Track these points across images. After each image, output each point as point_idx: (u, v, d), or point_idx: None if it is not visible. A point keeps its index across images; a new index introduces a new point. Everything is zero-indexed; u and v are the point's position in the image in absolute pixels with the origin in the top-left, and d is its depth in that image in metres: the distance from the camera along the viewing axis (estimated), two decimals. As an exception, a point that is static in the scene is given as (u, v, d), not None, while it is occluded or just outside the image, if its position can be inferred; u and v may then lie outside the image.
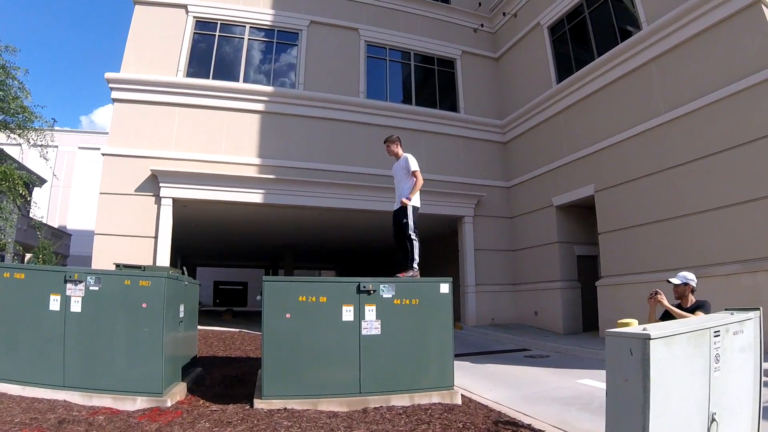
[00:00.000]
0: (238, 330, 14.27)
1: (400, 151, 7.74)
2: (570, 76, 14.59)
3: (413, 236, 7.26)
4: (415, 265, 7.20)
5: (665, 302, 5.19)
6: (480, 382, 8.13)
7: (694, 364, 3.03)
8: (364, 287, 6.55)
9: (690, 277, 5.40)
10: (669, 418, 2.85)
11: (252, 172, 14.57)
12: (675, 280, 5.43)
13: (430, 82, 17.77)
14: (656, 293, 5.27)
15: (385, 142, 7.86)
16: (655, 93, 11.85)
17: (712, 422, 3.07)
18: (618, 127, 12.80)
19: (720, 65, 10.39)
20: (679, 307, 5.20)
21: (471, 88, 17.88)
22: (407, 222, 7.25)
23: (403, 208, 7.30)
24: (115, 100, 14.19)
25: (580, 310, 14.78)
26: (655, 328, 2.89)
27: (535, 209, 16.10)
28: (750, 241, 9.61)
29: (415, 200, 7.39)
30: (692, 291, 5.37)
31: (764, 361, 3.74)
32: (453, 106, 17.68)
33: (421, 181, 7.37)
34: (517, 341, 13.35)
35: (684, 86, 11.14)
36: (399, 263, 7.47)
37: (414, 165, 7.38)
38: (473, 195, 16.85)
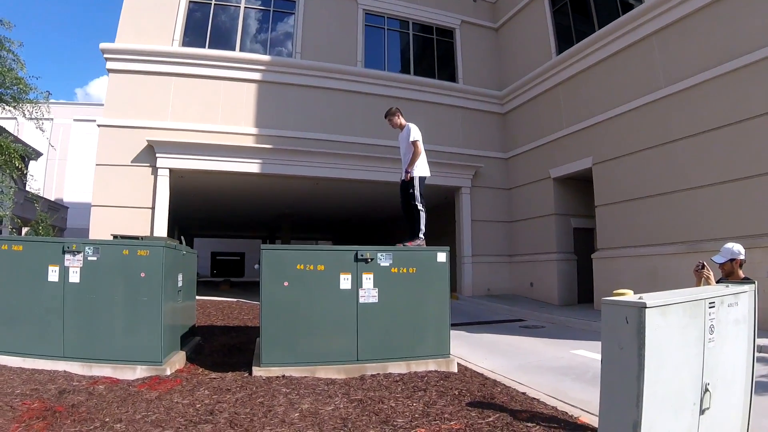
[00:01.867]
0: (236, 300, 14.36)
1: (402, 121, 7.68)
2: (570, 48, 14.44)
3: (420, 206, 7.27)
4: (422, 235, 7.23)
5: (712, 280, 4.76)
6: (476, 351, 8.23)
7: (689, 334, 3.06)
8: (362, 255, 6.58)
9: (735, 250, 4.82)
10: (663, 386, 2.89)
11: (249, 142, 14.50)
12: (719, 259, 4.85)
13: (429, 52, 17.59)
14: (703, 267, 4.81)
15: (386, 117, 7.80)
16: (655, 67, 11.74)
17: (705, 392, 3.11)
18: (618, 101, 12.71)
19: (721, 41, 10.26)
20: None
21: (470, 58, 17.71)
22: (413, 192, 7.26)
23: (410, 180, 7.29)
24: (110, 71, 14.02)
25: (575, 282, 14.89)
26: (650, 297, 2.92)
27: (533, 181, 16.10)
28: (748, 218, 9.62)
29: (422, 170, 7.37)
30: (741, 265, 4.83)
31: (758, 336, 3.78)
32: (452, 77, 17.53)
33: (419, 151, 7.30)
34: (513, 312, 13.47)
35: (685, 61, 11.03)
36: (406, 233, 7.48)
37: (413, 135, 7.32)
38: (471, 166, 16.83)
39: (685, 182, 10.91)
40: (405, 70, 17.16)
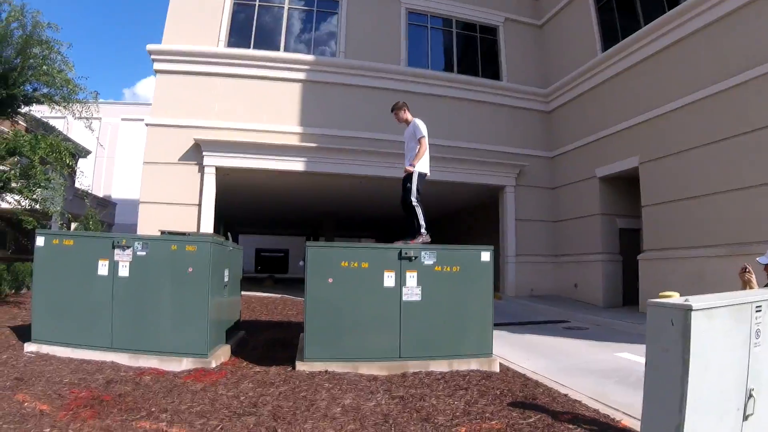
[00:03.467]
0: (279, 296, 14.59)
1: (408, 116, 7.53)
2: (615, 45, 14.13)
3: (415, 202, 7.15)
4: (423, 231, 7.14)
5: (754, 283, 4.68)
6: (518, 352, 8.16)
7: (734, 337, 3.00)
8: (406, 253, 6.62)
9: None
10: (707, 390, 2.84)
11: (293, 141, 14.71)
12: (764, 260, 4.79)
13: (472, 50, 17.48)
14: (746, 270, 4.72)
15: (392, 111, 7.67)
16: (702, 63, 11.38)
17: (749, 398, 3.04)
18: (664, 98, 12.36)
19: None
20: None
21: (514, 56, 17.52)
22: (410, 188, 7.16)
23: (409, 175, 7.20)
24: (157, 72, 14.46)
25: (620, 284, 14.58)
26: (696, 300, 2.87)
27: (578, 180, 15.83)
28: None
29: (422, 166, 7.24)
30: None
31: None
32: (495, 75, 17.38)
33: (425, 148, 7.18)
34: (556, 313, 13.29)
35: (733, 57, 10.64)
36: (406, 230, 7.40)
37: (420, 131, 7.19)
38: (515, 164, 16.66)
39: (733, 182, 10.53)
40: (448, 68, 17.10)
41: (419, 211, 7.19)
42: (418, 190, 7.19)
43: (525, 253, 16.70)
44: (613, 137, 14.23)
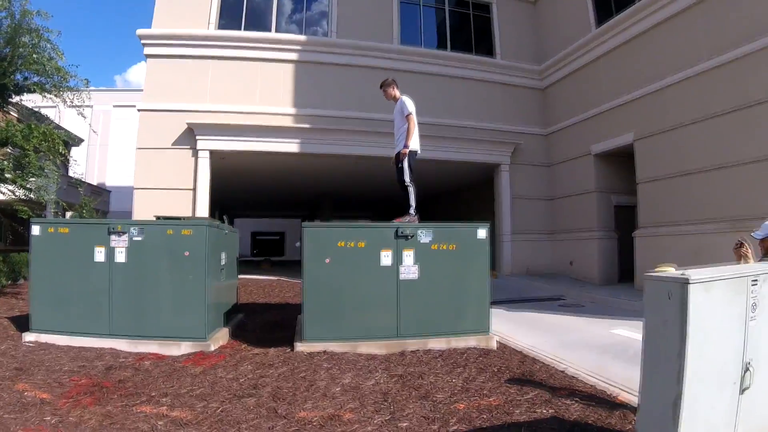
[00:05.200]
0: (276, 278, 14.63)
1: (397, 93, 7.53)
2: (610, 20, 13.99)
3: (408, 182, 7.18)
4: (412, 211, 7.17)
5: (750, 258, 4.66)
6: (515, 329, 8.21)
7: (731, 310, 3.00)
8: (402, 232, 6.63)
9: None
10: (704, 363, 2.86)
11: (287, 122, 14.62)
12: (758, 234, 4.61)
13: (466, 27, 17.29)
14: (741, 245, 4.73)
15: (381, 87, 7.67)
16: (698, 38, 11.28)
17: (746, 371, 3.05)
18: (660, 74, 12.27)
19: (765, 13, 9.78)
20: None
21: (507, 32, 17.35)
22: (402, 168, 7.17)
23: (401, 154, 7.21)
24: (148, 56, 14.28)
25: (616, 261, 14.64)
26: (694, 273, 2.87)
27: (573, 157, 15.80)
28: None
29: (413, 144, 7.22)
30: None
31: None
32: (489, 52, 17.22)
33: (413, 124, 7.16)
34: (553, 290, 13.37)
35: (730, 32, 10.53)
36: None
37: (407, 108, 7.17)
38: (510, 142, 16.60)
39: (729, 158, 10.49)
40: (441, 46, 16.95)
41: (411, 192, 7.22)
42: (410, 167, 7.18)
43: (521, 231, 16.71)
44: (608, 113, 14.18)
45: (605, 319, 9.31)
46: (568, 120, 16.00)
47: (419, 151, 7.42)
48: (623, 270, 14.32)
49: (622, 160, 14.21)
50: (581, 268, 15.23)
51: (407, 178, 7.16)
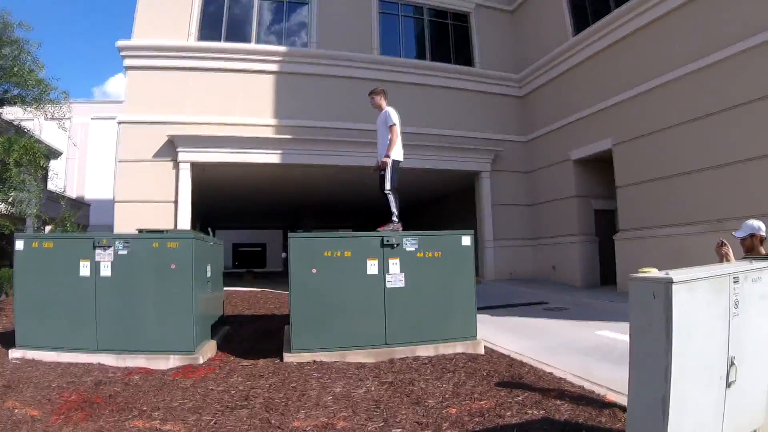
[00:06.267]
0: (260, 290, 14.58)
1: (383, 103, 7.55)
2: (587, 29, 14.27)
3: (389, 191, 7.23)
4: (395, 218, 7.22)
5: (731, 257, 4.75)
6: (501, 334, 8.28)
7: (714, 308, 3.10)
8: (388, 241, 6.68)
9: (756, 225, 4.72)
10: (690, 360, 2.94)
11: (268, 133, 14.62)
12: (739, 233, 4.78)
13: (445, 37, 17.51)
14: (722, 244, 4.80)
15: (369, 95, 7.70)
16: (675, 44, 11.53)
17: (731, 366, 3.15)
18: (637, 80, 12.53)
19: (748, 13, 9.98)
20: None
21: (486, 42, 17.59)
22: (384, 176, 7.22)
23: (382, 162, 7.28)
24: (127, 68, 14.20)
25: (598, 264, 14.84)
26: (677, 273, 2.96)
27: (553, 163, 16.01)
28: (771, 197, 9.43)
29: (396, 154, 7.30)
30: (761, 241, 4.70)
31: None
32: (468, 61, 17.43)
33: (396, 135, 7.23)
34: (536, 294, 13.49)
35: (706, 37, 10.78)
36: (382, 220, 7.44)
37: (392, 119, 7.23)
38: (490, 150, 16.77)
39: (707, 161, 10.72)
40: (421, 56, 17.14)
41: (392, 199, 7.27)
42: (393, 176, 7.25)
43: (503, 237, 16.86)
44: (587, 120, 14.42)
45: (589, 321, 9.42)
46: (548, 127, 16.23)
47: (402, 161, 7.49)
48: (605, 273, 14.51)
49: (601, 165, 14.45)
50: (564, 273, 15.40)
51: (388, 185, 7.21)
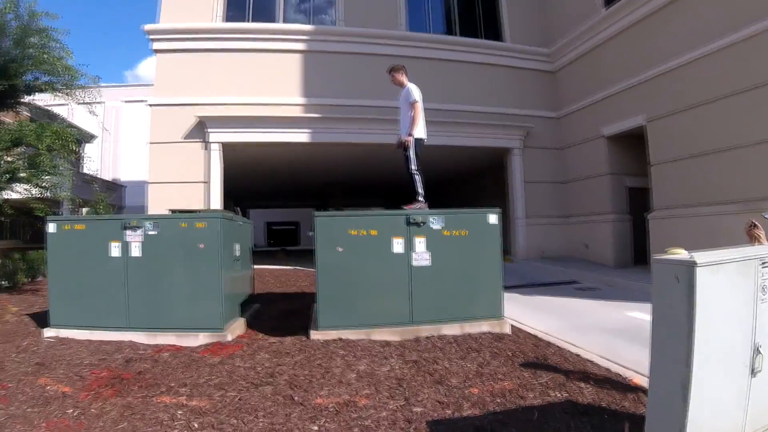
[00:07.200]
0: (292, 268, 14.75)
1: (405, 80, 7.52)
2: (618, 2, 13.82)
3: (414, 170, 7.24)
4: (420, 198, 7.23)
5: (763, 239, 4.61)
6: (529, 313, 8.23)
7: (740, 293, 2.99)
8: (414, 219, 6.66)
9: None
10: (713, 346, 2.86)
11: (297, 112, 14.65)
12: None
13: (473, 11, 17.18)
14: (753, 226, 4.65)
15: (389, 72, 7.65)
16: (709, 16, 11.07)
17: (756, 354, 3.05)
18: (669, 54, 12.09)
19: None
20: None
21: (516, 15, 17.20)
22: (409, 156, 7.21)
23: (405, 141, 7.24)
24: (156, 51, 14.37)
25: (630, 243, 14.56)
26: (701, 255, 2.87)
27: (585, 140, 15.69)
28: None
29: (419, 132, 7.27)
30: None
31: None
32: (497, 35, 17.10)
33: (419, 112, 7.19)
34: (567, 273, 13.35)
35: (742, 9, 10.33)
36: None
37: (413, 95, 7.19)
38: (521, 126, 16.52)
39: (743, 138, 10.33)
40: (449, 31, 16.86)
41: (418, 179, 7.28)
42: (417, 155, 7.22)
43: (534, 215, 16.68)
44: (619, 95, 14.05)
45: (620, 302, 9.29)
46: (579, 102, 15.88)
47: (426, 138, 7.45)
48: (638, 252, 14.26)
49: (634, 142, 14.09)
50: (596, 251, 15.18)
51: (413, 165, 7.20)
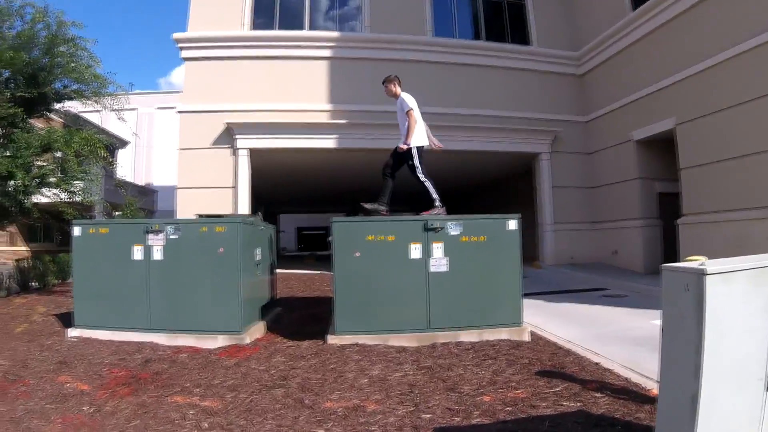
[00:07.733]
0: (318, 272, 14.80)
1: (398, 90, 7.58)
2: (645, 3, 13.53)
3: (423, 178, 7.26)
4: (437, 203, 7.20)
5: None
6: (552, 320, 8.09)
7: (753, 304, 2.88)
8: (431, 225, 6.64)
9: None
10: (724, 359, 2.75)
11: (324, 118, 14.77)
12: None
13: (499, 16, 17.05)
14: None
15: (383, 83, 7.72)
16: (740, 16, 10.77)
17: (770, 368, 2.95)
18: (699, 56, 11.79)
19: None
20: None
21: (542, 19, 17.03)
22: (413, 164, 7.22)
23: (408, 152, 7.25)
24: (185, 59, 14.69)
25: (660, 249, 14.22)
26: (713, 264, 2.78)
27: (614, 144, 15.43)
28: None
29: (419, 139, 7.29)
30: None
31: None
32: (524, 40, 16.94)
33: (414, 122, 7.20)
34: (595, 280, 13.12)
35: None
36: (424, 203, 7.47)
37: (407, 104, 7.23)
38: (549, 131, 16.34)
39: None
40: (476, 36, 16.79)
41: (429, 185, 7.31)
42: (421, 163, 7.24)
43: (563, 221, 16.46)
44: (648, 98, 13.77)
45: (647, 310, 9.04)
46: (608, 106, 15.62)
47: (426, 145, 7.50)
48: (668, 259, 13.84)
49: (664, 146, 13.79)
50: (625, 258, 14.90)
51: (420, 174, 7.24)
